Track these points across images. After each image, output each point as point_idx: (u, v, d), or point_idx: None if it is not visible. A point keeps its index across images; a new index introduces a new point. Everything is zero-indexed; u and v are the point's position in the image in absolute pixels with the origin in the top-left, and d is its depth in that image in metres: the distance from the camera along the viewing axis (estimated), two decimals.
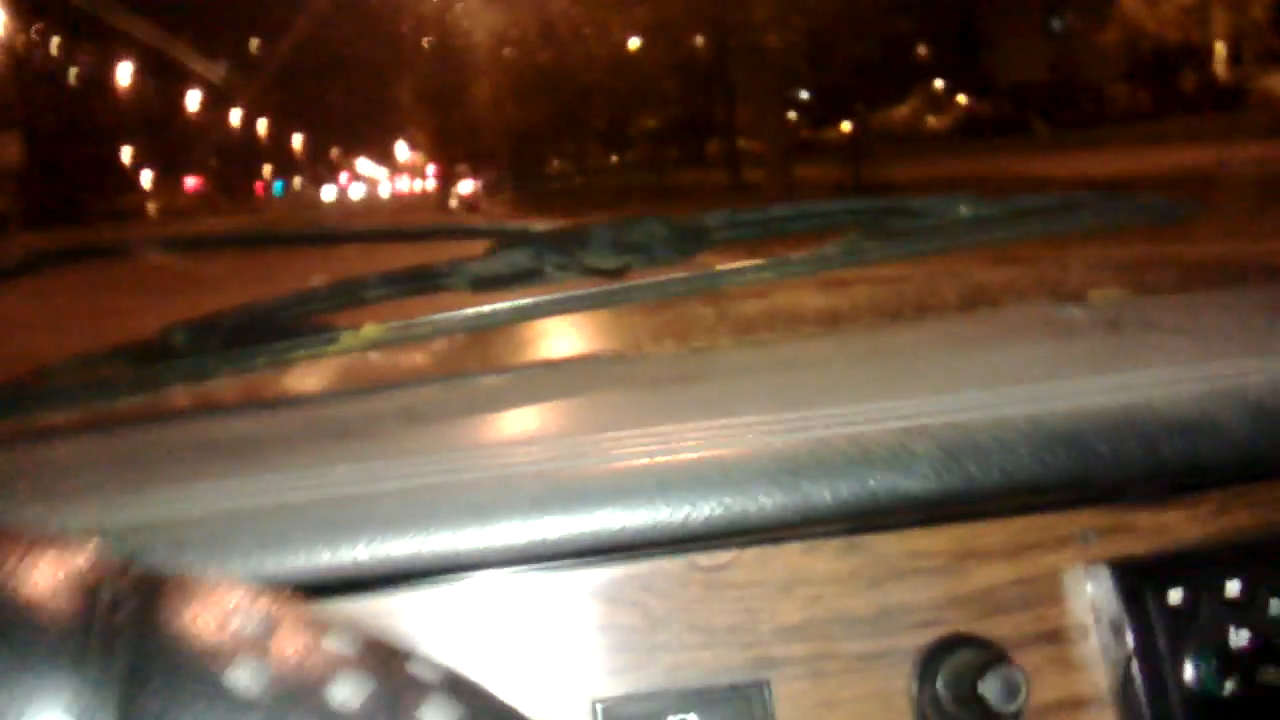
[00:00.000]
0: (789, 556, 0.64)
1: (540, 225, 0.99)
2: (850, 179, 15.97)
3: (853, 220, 0.99)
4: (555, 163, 34.79)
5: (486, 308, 0.96)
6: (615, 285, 0.94)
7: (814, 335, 0.92)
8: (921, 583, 0.64)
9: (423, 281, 0.96)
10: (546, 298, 0.94)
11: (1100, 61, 27.53)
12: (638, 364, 0.89)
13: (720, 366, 0.82)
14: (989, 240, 0.97)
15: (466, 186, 36.92)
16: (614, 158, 33.19)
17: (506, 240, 0.96)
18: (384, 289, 0.95)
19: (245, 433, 0.82)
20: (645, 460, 0.60)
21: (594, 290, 0.95)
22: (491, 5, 24.56)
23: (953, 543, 0.65)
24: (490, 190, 34.05)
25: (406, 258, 0.98)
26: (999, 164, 17.74)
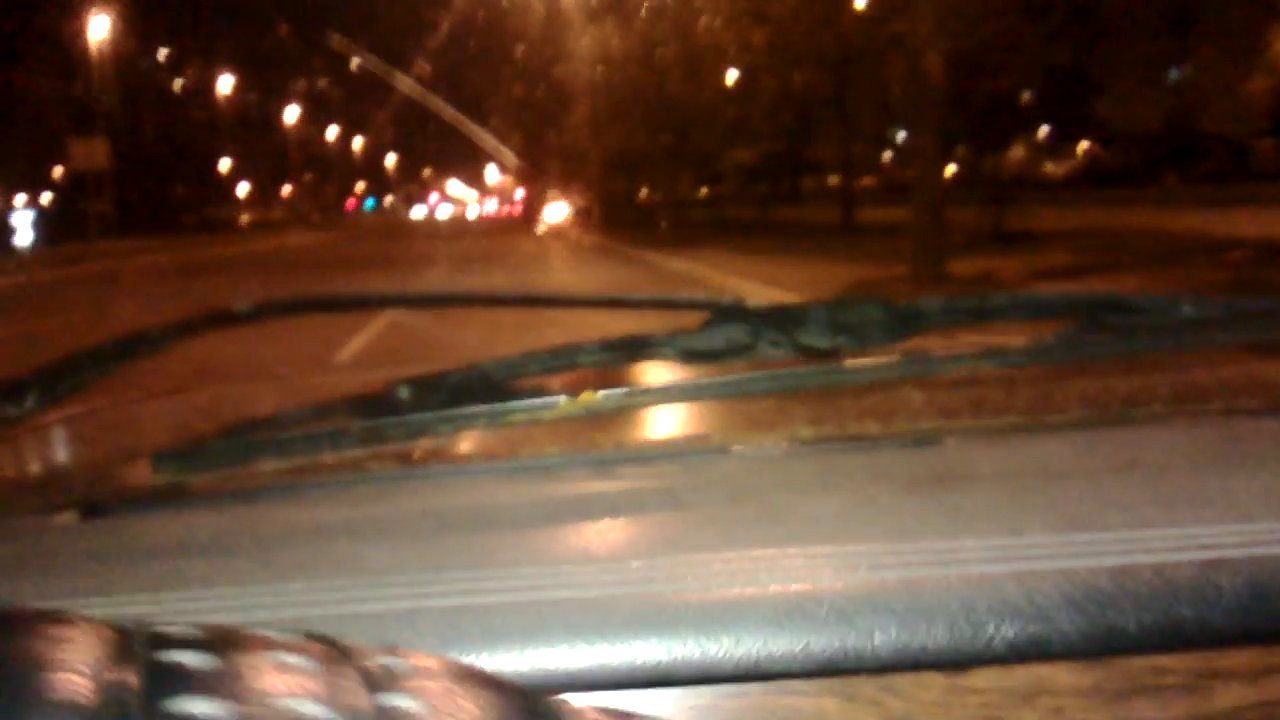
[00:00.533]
0: (1030, 665, 0.63)
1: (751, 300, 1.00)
2: (988, 224, 15.29)
3: (1070, 313, 0.98)
4: (645, 192, 34.83)
5: (701, 380, 0.97)
6: (829, 366, 0.94)
7: (1055, 432, 0.90)
8: (1165, 700, 0.63)
9: (637, 350, 0.97)
10: (760, 374, 0.95)
11: (1223, 114, 26.73)
12: (878, 453, 0.88)
13: (970, 467, 0.81)
14: (1212, 342, 0.95)
15: (555, 213, 37.22)
16: (704, 190, 33.21)
17: (720, 314, 0.97)
18: (599, 355, 0.96)
19: (475, 503, 0.83)
20: (933, 575, 0.60)
21: (808, 369, 0.95)
22: (590, 30, 24.66)
23: (1196, 661, 0.64)
24: (580, 218, 34.26)
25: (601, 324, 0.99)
26: (1138, 216, 17.08)
